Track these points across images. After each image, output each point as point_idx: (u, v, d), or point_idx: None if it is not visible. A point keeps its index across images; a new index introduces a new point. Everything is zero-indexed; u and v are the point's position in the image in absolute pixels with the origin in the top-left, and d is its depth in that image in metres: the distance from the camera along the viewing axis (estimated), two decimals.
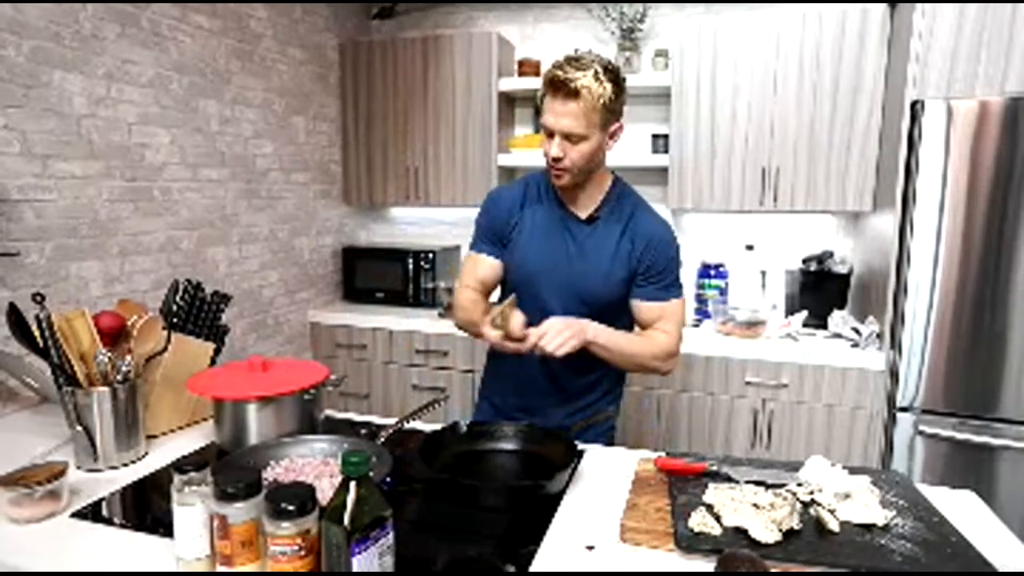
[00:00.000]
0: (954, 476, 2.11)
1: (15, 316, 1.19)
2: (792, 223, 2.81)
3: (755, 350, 2.38)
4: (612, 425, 1.54)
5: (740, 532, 0.93)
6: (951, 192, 2.04)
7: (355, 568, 0.73)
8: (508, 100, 3.01)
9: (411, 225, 3.39)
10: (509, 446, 1.24)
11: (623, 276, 1.38)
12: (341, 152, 3.14)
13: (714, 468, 1.13)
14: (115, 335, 1.28)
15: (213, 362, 1.46)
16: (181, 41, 2.20)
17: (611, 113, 1.27)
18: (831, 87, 2.41)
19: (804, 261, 2.65)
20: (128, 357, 1.21)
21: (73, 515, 1.00)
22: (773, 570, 0.83)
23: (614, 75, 1.25)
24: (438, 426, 1.29)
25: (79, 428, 1.15)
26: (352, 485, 0.75)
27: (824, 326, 2.53)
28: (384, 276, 3.05)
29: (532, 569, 0.88)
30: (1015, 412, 2.04)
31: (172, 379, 1.33)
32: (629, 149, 2.89)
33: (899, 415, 2.17)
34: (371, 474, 0.78)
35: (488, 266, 1.46)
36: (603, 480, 1.16)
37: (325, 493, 0.94)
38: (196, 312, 1.45)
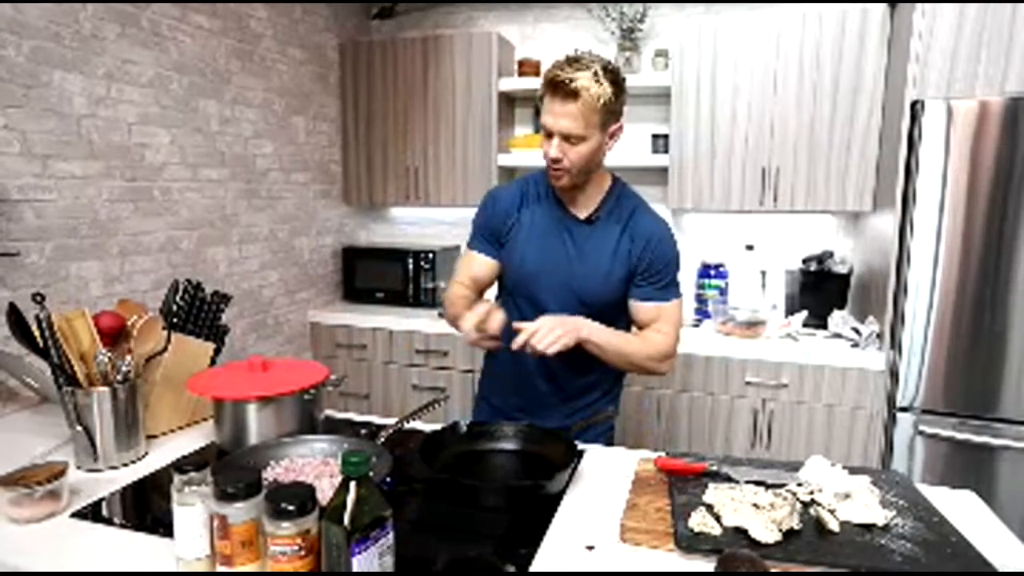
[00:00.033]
0: (954, 476, 2.11)
1: (15, 316, 1.19)
2: (792, 223, 2.81)
3: (755, 350, 2.38)
4: (611, 425, 1.54)
5: (740, 532, 0.93)
6: (951, 192, 2.04)
7: (355, 568, 0.73)
8: (508, 100, 3.01)
9: (411, 225, 3.39)
10: (509, 446, 1.24)
11: (622, 275, 1.38)
12: (341, 152, 3.14)
13: (714, 468, 1.13)
14: (115, 335, 1.28)
15: (213, 362, 1.46)
16: (181, 41, 2.20)
17: (611, 114, 1.27)
18: (831, 87, 2.41)
19: (804, 261, 2.65)
20: (128, 357, 1.21)
21: (73, 515, 1.00)
22: (773, 570, 0.83)
23: (614, 76, 1.25)
24: (438, 426, 1.29)
25: (79, 428, 1.15)
26: (352, 485, 0.75)
27: (824, 326, 2.53)
28: (384, 276, 3.05)
29: (532, 569, 0.88)
30: (1015, 412, 2.04)
31: (172, 379, 1.33)
32: (629, 149, 2.89)
33: (899, 415, 2.17)
34: (371, 474, 0.78)
35: (482, 264, 1.46)
36: (603, 480, 1.16)
37: (325, 493, 0.94)
38: (196, 312, 1.45)
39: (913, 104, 2.10)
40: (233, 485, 0.79)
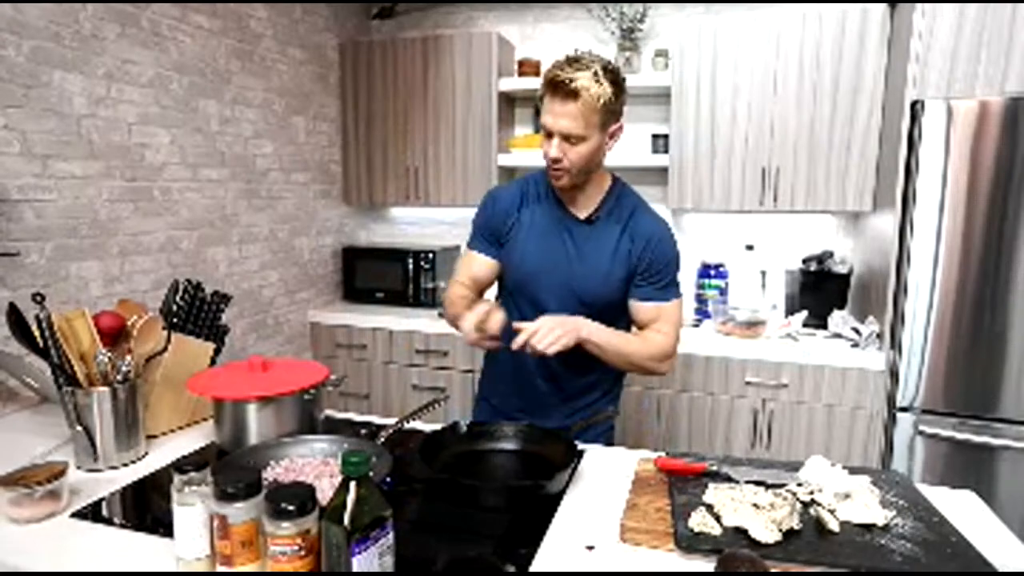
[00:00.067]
0: (954, 476, 2.11)
1: (15, 316, 1.19)
2: (792, 223, 2.81)
3: (755, 350, 2.38)
4: (611, 425, 1.54)
5: (740, 532, 0.93)
6: (951, 192, 2.04)
7: (355, 568, 0.73)
8: (508, 100, 3.01)
9: (411, 225, 3.39)
10: (509, 446, 1.24)
11: (622, 276, 1.37)
12: (341, 152, 3.14)
13: (714, 468, 1.13)
14: (115, 335, 1.28)
15: (213, 362, 1.46)
16: (181, 41, 2.20)
17: (611, 114, 1.26)
18: (831, 87, 2.41)
19: (804, 261, 2.65)
20: (128, 357, 1.21)
21: (73, 515, 1.00)
22: (773, 570, 0.83)
23: (614, 76, 1.25)
24: (438, 426, 1.29)
25: (79, 428, 1.15)
26: (352, 485, 0.75)
27: (824, 326, 2.53)
28: (384, 276, 3.05)
29: (532, 569, 0.88)
30: (1015, 412, 2.04)
31: (172, 379, 1.33)
32: (629, 149, 2.89)
33: (899, 415, 2.17)
34: (371, 474, 0.78)
35: (482, 264, 1.46)
36: (603, 480, 1.16)
37: (325, 493, 0.94)
38: (196, 312, 1.45)
39: (913, 104, 2.10)
40: (233, 485, 0.79)
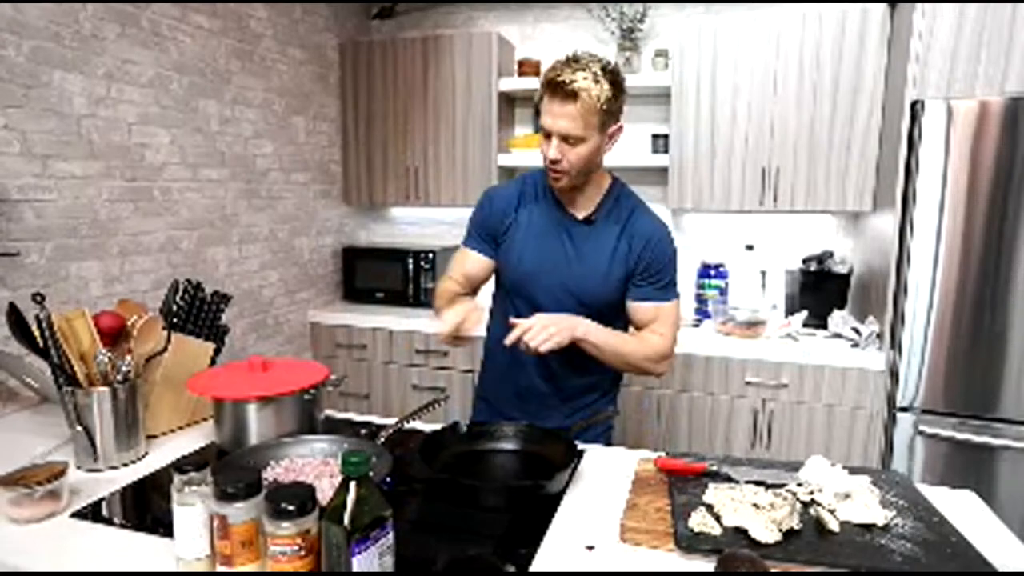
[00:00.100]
0: (954, 476, 2.11)
1: (15, 316, 1.19)
2: (792, 223, 2.81)
3: (755, 350, 2.38)
4: (610, 425, 1.54)
5: (740, 532, 0.93)
6: (951, 192, 2.04)
7: (355, 568, 0.73)
8: (508, 100, 3.01)
9: (411, 225, 3.39)
10: (509, 446, 1.24)
11: (620, 276, 1.37)
12: (341, 152, 3.14)
13: (714, 468, 1.13)
14: (115, 335, 1.28)
15: (213, 362, 1.46)
16: (181, 41, 2.20)
17: (610, 115, 1.26)
18: (831, 87, 2.41)
19: (804, 261, 2.65)
20: (128, 357, 1.21)
21: (73, 515, 1.00)
22: (773, 570, 0.83)
23: (613, 76, 1.24)
24: (438, 426, 1.29)
25: (79, 428, 1.15)
26: (352, 485, 0.75)
27: (824, 326, 2.53)
28: (384, 276, 3.05)
29: (532, 569, 0.88)
30: (1015, 412, 2.04)
31: (172, 379, 1.33)
32: (629, 149, 2.89)
33: (899, 415, 2.17)
34: (371, 474, 0.78)
35: (476, 261, 1.46)
36: (603, 480, 1.16)
37: (325, 493, 0.94)
38: (196, 312, 1.45)
39: (913, 104, 2.10)
40: (233, 485, 0.79)
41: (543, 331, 1.20)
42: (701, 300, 2.73)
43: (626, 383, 2.54)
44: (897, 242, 2.16)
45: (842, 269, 2.59)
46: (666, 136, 2.69)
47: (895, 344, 2.19)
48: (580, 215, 1.39)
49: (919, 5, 2.06)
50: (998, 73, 2.02)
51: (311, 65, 2.88)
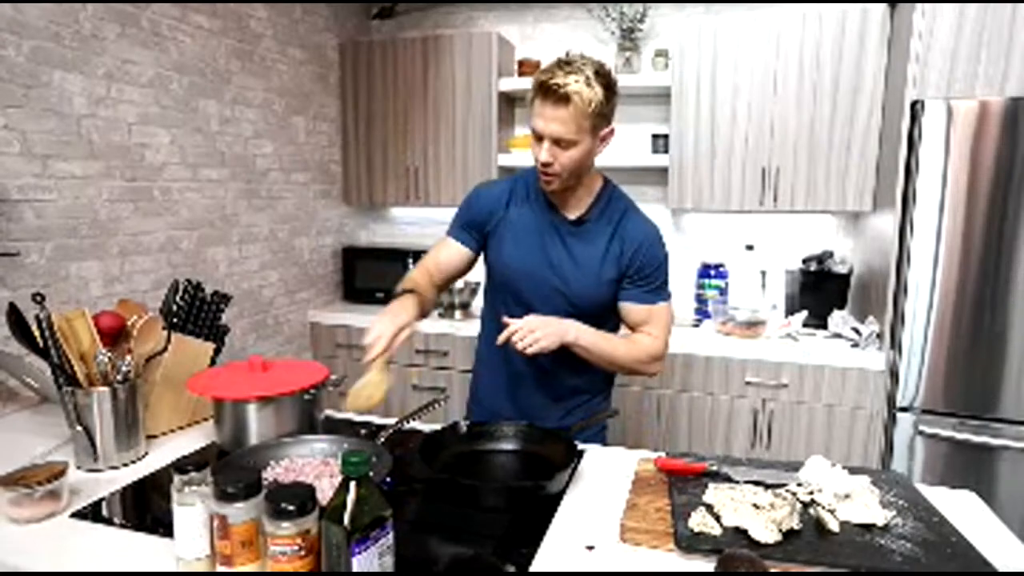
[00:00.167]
0: (954, 476, 2.11)
1: (15, 316, 1.19)
2: (792, 223, 2.81)
3: (755, 350, 2.38)
4: (604, 425, 1.53)
5: (740, 532, 0.93)
6: (951, 192, 2.04)
7: (355, 568, 0.73)
8: (508, 100, 3.01)
9: (411, 225, 3.39)
10: (509, 446, 1.24)
11: (612, 278, 1.36)
12: (341, 152, 3.14)
13: (714, 468, 1.13)
14: (115, 335, 1.28)
15: (213, 362, 1.46)
16: (181, 41, 2.20)
17: (602, 118, 1.24)
18: (831, 87, 2.41)
19: (804, 261, 2.65)
20: (128, 357, 1.21)
21: (73, 515, 1.00)
22: (773, 570, 0.83)
23: (606, 79, 1.22)
24: (438, 426, 1.29)
25: (79, 428, 1.15)
26: (352, 485, 0.75)
27: (824, 326, 2.53)
28: (384, 276, 3.04)
29: (532, 569, 0.88)
30: (1015, 412, 2.04)
31: (172, 379, 1.33)
32: (629, 149, 2.89)
33: (899, 415, 2.17)
34: (371, 474, 0.78)
35: (454, 251, 1.45)
36: (603, 480, 1.16)
37: (325, 493, 0.94)
38: (196, 312, 1.45)
39: (913, 104, 2.10)
40: (233, 485, 0.79)
41: (530, 335, 1.20)
42: (701, 300, 2.73)
43: (626, 383, 2.55)
44: (897, 242, 2.16)
45: (842, 269, 2.59)
46: (666, 136, 2.69)
47: (895, 344, 2.19)
48: (571, 216, 1.38)
49: (919, 5, 2.06)
50: (998, 73, 2.02)
51: (311, 65, 2.88)
